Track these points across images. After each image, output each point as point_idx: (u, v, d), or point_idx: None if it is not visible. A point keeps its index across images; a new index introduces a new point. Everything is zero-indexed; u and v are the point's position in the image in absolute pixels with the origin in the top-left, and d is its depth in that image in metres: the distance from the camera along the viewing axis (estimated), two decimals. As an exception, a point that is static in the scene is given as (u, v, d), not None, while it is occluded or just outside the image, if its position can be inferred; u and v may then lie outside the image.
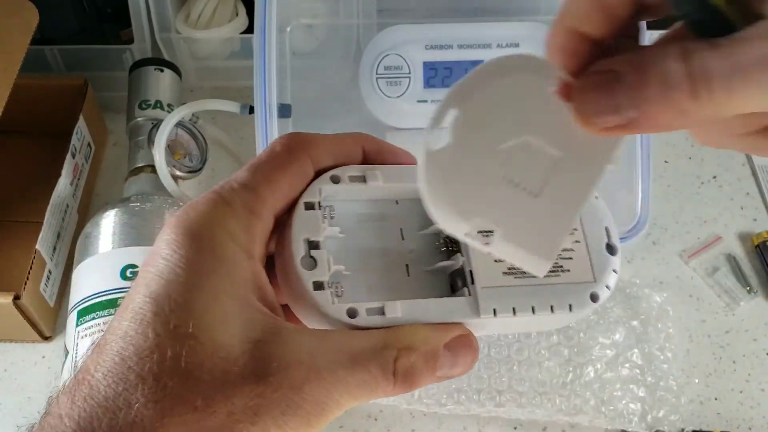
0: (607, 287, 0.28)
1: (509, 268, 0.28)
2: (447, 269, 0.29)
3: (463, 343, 0.27)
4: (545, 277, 0.26)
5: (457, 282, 0.29)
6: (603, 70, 0.21)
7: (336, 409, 0.23)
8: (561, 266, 0.28)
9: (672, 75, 0.19)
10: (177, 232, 0.23)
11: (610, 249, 0.29)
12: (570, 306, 0.28)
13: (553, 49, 0.23)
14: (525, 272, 0.26)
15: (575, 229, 0.29)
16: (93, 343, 0.23)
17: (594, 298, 0.28)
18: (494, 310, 0.27)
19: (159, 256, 0.23)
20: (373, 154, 0.28)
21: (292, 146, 0.26)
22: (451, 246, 0.29)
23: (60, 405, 0.22)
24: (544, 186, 0.24)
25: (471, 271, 0.27)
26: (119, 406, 0.21)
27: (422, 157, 0.24)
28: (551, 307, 0.27)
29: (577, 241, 0.29)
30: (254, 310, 0.23)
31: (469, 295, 0.27)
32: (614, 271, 0.29)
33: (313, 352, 0.23)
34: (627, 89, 0.20)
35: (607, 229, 0.29)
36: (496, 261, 0.28)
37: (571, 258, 0.28)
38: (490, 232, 0.25)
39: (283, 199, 0.26)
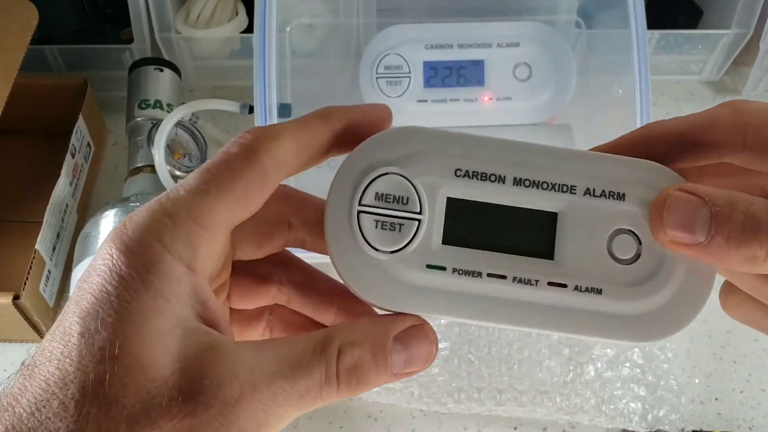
0: None
1: None
2: None
3: (416, 334, 0.24)
4: None
5: None
6: (694, 193, 0.23)
7: (278, 423, 0.22)
8: None
9: (760, 222, 0.22)
10: (113, 246, 0.22)
11: None
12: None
13: None
14: None
15: None
16: (23, 363, 0.22)
17: None
18: None
19: (94, 272, 0.22)
20: (344, 131, 0.26)
21: (250, 145, 0.23)
22: None
23: None
24: None
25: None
26: None
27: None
28: None
29: None
30: (189, 328, 0.22)
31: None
32: None
33: (250, 366, 0.21)
34: (710, 218, 0.23)
35: None
36: None
37: None
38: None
39: (239, 209, 0.24)
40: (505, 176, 0.25)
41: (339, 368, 0.22)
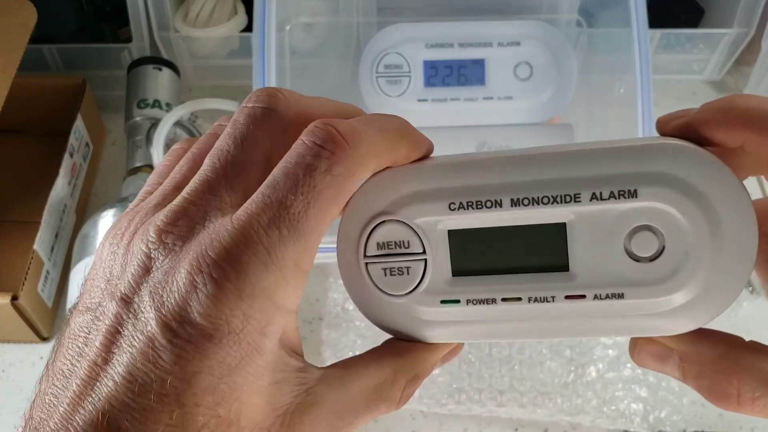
0: None
1: None
2: None
3: (450, 357, 0.28)
4: None
5: None
6: None
7: None
8: None
9: None
10: None
11: None
12: None
13: None
14: None
15: None
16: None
17: None
18: None
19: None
20: None
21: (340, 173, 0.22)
22: None
23: None
24: None
25: None
26: None
27: None
28: None
29: None
30: (286, 370, 0.22)
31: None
32: None
33: (336, 408, 0.24)
34: None
35: None
36: None
37: None
38: None
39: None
40: (501, 200, 0.24)
41: (403, 396, 0.26)
